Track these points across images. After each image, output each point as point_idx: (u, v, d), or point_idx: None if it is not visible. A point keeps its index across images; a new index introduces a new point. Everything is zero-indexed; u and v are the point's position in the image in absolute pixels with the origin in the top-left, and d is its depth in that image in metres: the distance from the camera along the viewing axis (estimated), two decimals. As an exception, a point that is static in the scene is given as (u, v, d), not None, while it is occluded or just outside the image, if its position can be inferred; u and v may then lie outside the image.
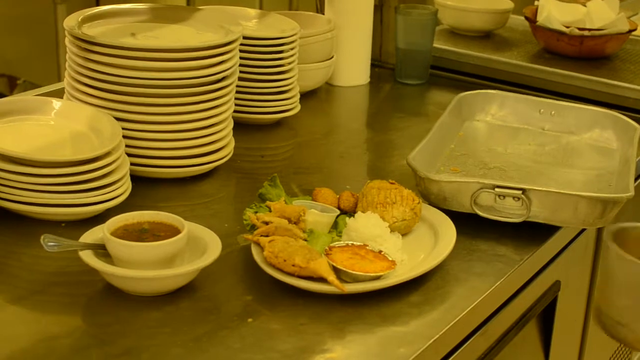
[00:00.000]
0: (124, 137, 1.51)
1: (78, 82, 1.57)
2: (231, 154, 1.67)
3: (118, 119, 1.53)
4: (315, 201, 1.45)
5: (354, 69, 2.18)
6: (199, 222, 1.35)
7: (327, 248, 1.31)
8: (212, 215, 1.51)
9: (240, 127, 1.77)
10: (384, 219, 1.38)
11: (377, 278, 1.27)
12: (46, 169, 1.39)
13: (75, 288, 1.28)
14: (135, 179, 1.53)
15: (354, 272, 1.27)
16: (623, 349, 2.26)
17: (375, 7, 2.20)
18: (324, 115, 2.07)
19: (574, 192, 1.46)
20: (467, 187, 1.47)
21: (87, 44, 1.53)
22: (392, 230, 1.38)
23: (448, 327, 1.24)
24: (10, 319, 1.22)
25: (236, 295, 1.28)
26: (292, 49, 1.88)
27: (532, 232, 1.49)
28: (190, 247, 1.29)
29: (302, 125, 1.93)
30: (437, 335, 1.22)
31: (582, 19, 2.27)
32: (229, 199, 1.61)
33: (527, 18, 2.32)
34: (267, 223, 1.35)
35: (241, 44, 1.67)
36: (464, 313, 1.28)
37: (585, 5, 2.32)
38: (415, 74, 2.21)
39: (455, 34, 2.43)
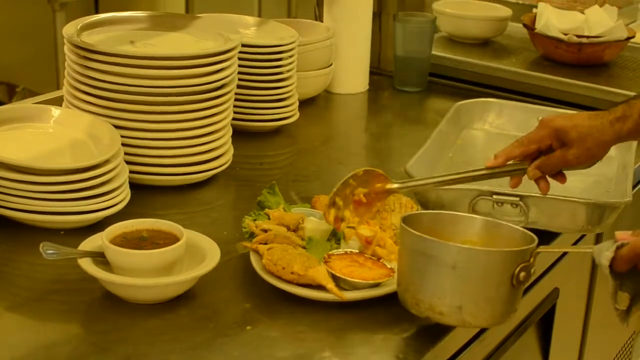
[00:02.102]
0: (123, 144, 1.51)
1: (77, 89, 1.57)
2: (230, 161, 1.68)
3: (117, 127, 1.53)
4: (314, 209, 1.45)
5: (352, 76, 2.19)
6: (197, 229, 1.35)
7: (325, 255, 1.31)
8: (211, 223, 1.51)
9: (239, 134, 1.77)
10: (382, 226, 1.38)
11: (376, 285, 1.27)
12: (45, 177, 1.39)
13: (74, 296, 1.28)
14: (134, 186, 1.53)
15: (352, 279, 1.27)
16: (622, 356, 2.26)
17: (374, 14, 2.20)
18: (322, 123, 2.07)
19: (571, 198, 1.47)
20: (465, 195, 1.47)
21: (86, 51, 1.54)
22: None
23: (447, 335, 1.24)
24: (10, 327, 1.22)
25: (235, 303, 1.28)
26: (290, 56, 1.88)
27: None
28: (189, 255, 1.30)
29: (301, 132, 1.93)
30: (436, 343, 1.22)
31: (580, 26, 2.28)
32: (227, 207, 1.61)
33: (525, 25, 2.33)
34: (265, 231, 1.35)
35: (240, 52, 1.67)
36: (462, 320, 1.28)
37: (583, 13, 2.33)
38: (414, 81, 2.22)
39: (454, 41, 2.44)
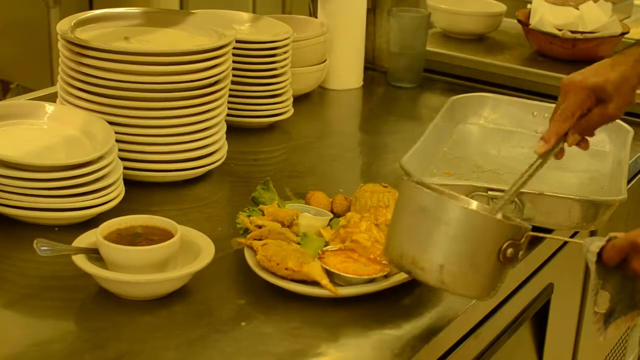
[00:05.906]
0: (117, 141, 1.51)
1: (71, 86, 1.57)
2: (224, 157, 1.67)
3: (111, 123, 1.53)
4: (309, 205, 1.45)
5: (347, 72, 2.18)
6: (192, 226, 1.35)
7: (320, 251, 1.31)
8: (205, 219, 1.51)
9: (234, 130, 1.77)
10: (377, 222, 1.38)
11: (371, 281, 1.27)
12: (39, 173, 1.39)
13: (68, 292, 1.28)
14: (129, 183, 1.53)
15: (347, 275, 1.27)
16: (616, 351, 2.26)
17: (368, 10, 2.20)
18: (317, 119, 2.07)
19: (566, 195, 1.47)
20: (460, 190, 1.46)
21: (80, 48, 1.53)
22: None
23: (441, 330, 1.24)
24: (4, 324, 1.22)
25: (229, 299, 1.28)
26: (285, 52, 1.88)
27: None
28: (184, 251, 1.29)
29: (296, 128, 1.93)
30: (431, 339, 1.22)
31: (574, 22, 2.27)
32: (222, 203, 1.61)
33: (519, 21, 2.33)
34: (260, 227, 1.35)
35: (234, 48, 1.67)
36: (457, 316, 1.28)
37: (577, 8, 2.33)
38: (408, 77, 2.22)
39: (448, 37, 2.44)
